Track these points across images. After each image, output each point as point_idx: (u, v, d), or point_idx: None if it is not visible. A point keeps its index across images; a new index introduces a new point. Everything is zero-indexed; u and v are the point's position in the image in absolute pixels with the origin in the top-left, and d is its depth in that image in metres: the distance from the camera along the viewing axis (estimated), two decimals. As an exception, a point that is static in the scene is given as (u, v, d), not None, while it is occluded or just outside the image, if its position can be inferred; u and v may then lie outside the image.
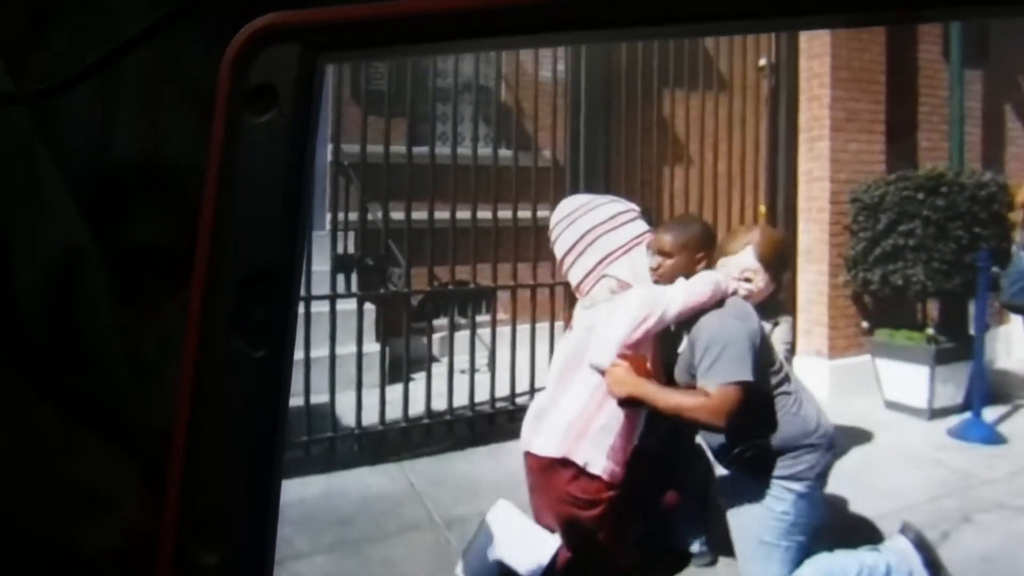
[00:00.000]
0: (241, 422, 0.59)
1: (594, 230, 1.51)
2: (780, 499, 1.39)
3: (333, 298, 2.02)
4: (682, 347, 1.48)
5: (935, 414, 1.96)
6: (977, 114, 2.22)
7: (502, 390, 2.06)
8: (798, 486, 1.39)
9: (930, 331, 2.02)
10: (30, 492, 0.82)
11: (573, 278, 1.54)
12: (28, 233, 0.86)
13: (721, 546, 1.50)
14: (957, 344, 1.98)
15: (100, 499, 0.84)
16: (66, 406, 0.85)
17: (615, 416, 1.44)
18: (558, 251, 1.55)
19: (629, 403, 1.44)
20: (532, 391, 2.04)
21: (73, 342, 0.85)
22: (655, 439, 1.49)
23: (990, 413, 1.92)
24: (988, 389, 1.92)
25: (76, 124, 0.95)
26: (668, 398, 1.42)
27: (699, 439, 1.49)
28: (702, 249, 1.51)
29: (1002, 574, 1.41)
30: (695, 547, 1.54)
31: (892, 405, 2.01)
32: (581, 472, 1.44)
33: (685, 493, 1.54)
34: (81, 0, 0.98)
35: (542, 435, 1.47)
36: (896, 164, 2.13)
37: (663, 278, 1.50)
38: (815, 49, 2.17)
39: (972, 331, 1.99)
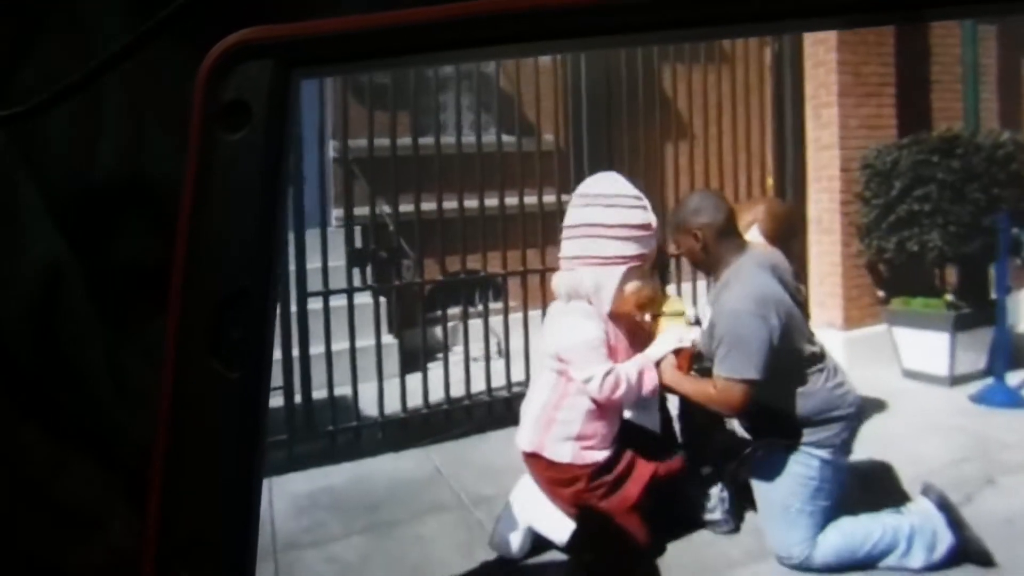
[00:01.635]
0: (219, 443, 0.60)
1: (588, 227, 1.52)
2: (806, 465, 1.44)
3: (351, 291, 2.07)
4: (707, 323, 1.53)
5: (956, 381, 1.96)
6: (992, 72, 2.17)
7: (517, 375, 2.09)
8: (824, 452, 1.43)
9: (949, 297, 2.01)
10: (15, 513, 0.85)
11: (561, 251, 1.56)
12: (8, 253, 0.89)
13: (743, 515, 1.56)
14: (977, 309, 1.97)
15: (86, 519, 0.86)
16: (51, 425, 0.87)
17: (576, 408, 1.48)
18: (566, 220, 1.57)
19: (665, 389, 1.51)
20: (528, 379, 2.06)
21: (56, 361, 0.88)
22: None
23: (1013, 378, 1.92)
24: (1010, 353, 1.91)
25: (58, 143, 0.97)
26: (685, 388, 1.50)
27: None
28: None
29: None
30: (716, 515, 1.57)
31: (911, 374, 2.01)
32: (551, 463, 1.50)
33: (693, 460, 1.58)
34: (61, 19, 1.01)
35: (520, 428, 1.53)
36: (908, 127, 2.10)
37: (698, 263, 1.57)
38: (819, 12, 2.13)
39: (993, 295, 1.98)
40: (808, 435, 1.44)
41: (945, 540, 1.40)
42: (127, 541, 0.85)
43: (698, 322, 1.55)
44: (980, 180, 1.94)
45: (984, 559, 1.38)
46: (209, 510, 0.59)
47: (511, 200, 2.15)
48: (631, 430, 1.54)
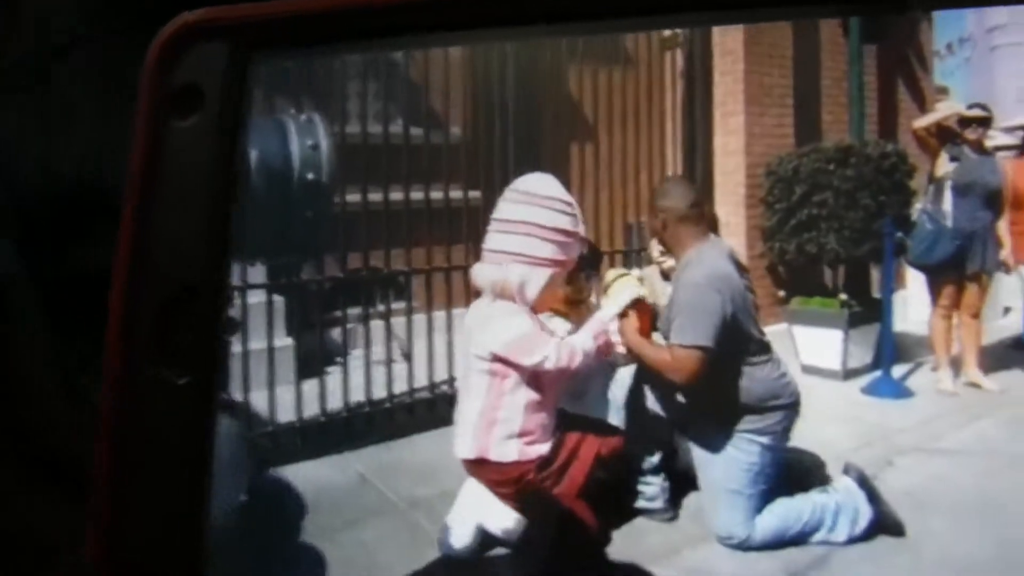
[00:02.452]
0: (166, 454, 0.55)
1: (527, 225, 1.51)
2: (747, 451, 1.53)
3: (244, 289, 1.93)
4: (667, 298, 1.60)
5: (848, 375, 2.17)
6: (874, 88, 2.41)
7: (421, 380, 2.06)
8: (764, 439, 1.53)
9: (843, 296, 2.20)
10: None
11: (486, 242, 1.56)
12: None
13: (681, 502, 1.66)
14: (864, 308, 2.20)
15: (48, 545, 0.81)
16: (9, 450, 0.82)
17: (515, 405, 1.50)
18: (497, 211, 1.56)
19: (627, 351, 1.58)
20: (452, 380, 2.06)
21: (10, 382, 0.83)
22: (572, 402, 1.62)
23: (897, 370, 2.16)
24: (894, 348, 2.14)
25: (9, 142, 0.90)
26: (645, 351, 1.56)
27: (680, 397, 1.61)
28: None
29: (923, 504, 1.62)
30: (658, 503, 1.64)
31: (809, 369, 2.21)
32: (498, 465, 1.50)
33: (637, 440, 1.64)
34: (10, 10, 0.92)
35: (458, 437, 1.52)
36: (803, 137, 2.29)
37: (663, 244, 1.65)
38: (726, 27, 2.27)
39: (877, 295, 2.21)
40: (751, 422, 1.53)
41: (865, 514, 1.54)
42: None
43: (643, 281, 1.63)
44: (870, 188, 2.15)
45: (897, 530, 1.53)
46: (158, 524, 0.55)
47: (416, 195, 2.11)
48: (571, 419, 1.57)
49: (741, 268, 1.57)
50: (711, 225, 1.71)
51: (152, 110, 0.55)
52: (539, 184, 1.55)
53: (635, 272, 1.66)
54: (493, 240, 1.53)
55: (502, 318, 1.49)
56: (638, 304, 1.56)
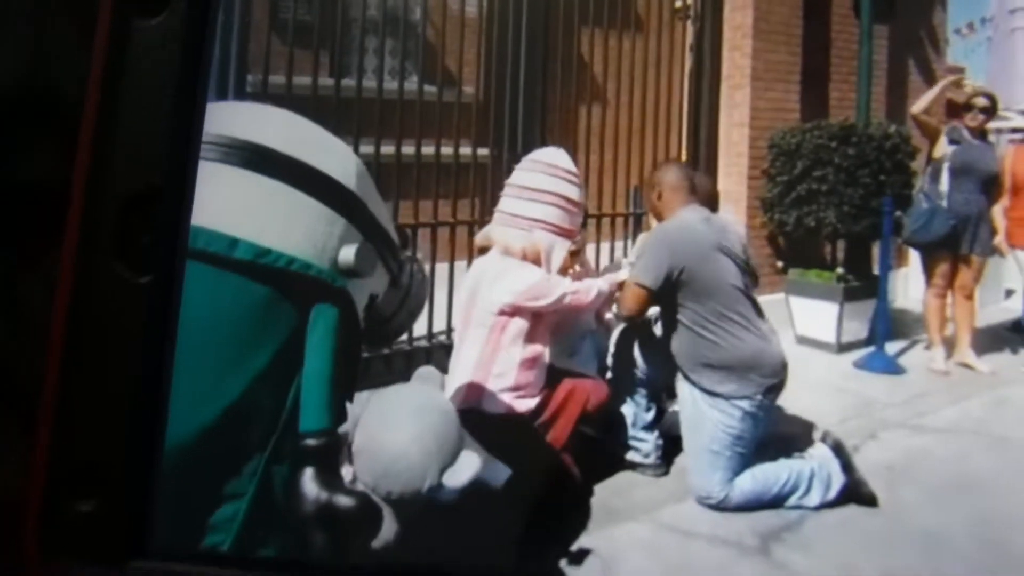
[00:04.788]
0: (123, 355, 0.57)
1: (557, 197, 1.68)
2: (729, 415, 1.64)
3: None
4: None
5: (842, 348, 2.26)
6: (883, 68, 2.49)
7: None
8: (745, 404, 1.65)
9: (840, 270, 2.29)
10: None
11: (505, 206, 1.71)
12: None
13: (673, 460, 1.78)
14: (863, 283, 2.28)
15: None
16: None
17: (510, 361, 1.64)
18: (519, 179, 1.72)
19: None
20: (449, 330, 2.14)
21: None
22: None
23: (891, 347, 2.24)
24: (889, 325, 2.22)
25: None
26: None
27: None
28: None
29: (902, 478, 1.72)
30: (651, 459, 1.77)
31: (803, 340, 2.30)
32: (489, 415, 1.63)
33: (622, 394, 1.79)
34: None
35: (452, 387, 1.64)
36: (810, 113, 2.38)
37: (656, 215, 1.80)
38: (737, 2, 2.38)
39: (876, 271, 2.29)
40: (733, 387, 1.64)
41: (839, 482, 1.64)
42: (10, 482, 0.77)
43: None
44: (870, 167, 2.23)
45: (869, 500, 1.63)
46: (109, 431, 0.56)
47: (427, 150, 2.22)
48: (563, 374, 1.70)
49: (719, 233, 1.70)
50: (710, 202, 1.84)
51: (115, 7, 0.57)
52: (560, 157, 1.74)
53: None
54: (518, 206, 1.70)
55: (515, 271, 1.65)
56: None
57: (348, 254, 1.06)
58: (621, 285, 1.73)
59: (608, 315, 1.81)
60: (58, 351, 0.56)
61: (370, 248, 1.09)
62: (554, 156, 1.73)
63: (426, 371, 1.42)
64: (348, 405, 1.14)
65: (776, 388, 1.68)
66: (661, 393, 1.79)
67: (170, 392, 0.58)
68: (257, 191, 1.03)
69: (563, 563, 1.45)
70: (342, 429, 1.11)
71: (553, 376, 1.69)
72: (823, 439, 1.72)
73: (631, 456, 1.77)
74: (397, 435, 1.25)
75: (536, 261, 1.66)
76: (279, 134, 1.07)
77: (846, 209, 2.23)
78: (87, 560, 0.55)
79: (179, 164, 0.57)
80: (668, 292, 1.65)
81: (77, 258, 0.56)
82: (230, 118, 1.08)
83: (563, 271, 1.70)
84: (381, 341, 1.29)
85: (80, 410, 0.56)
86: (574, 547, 1.50)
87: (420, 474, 1.24)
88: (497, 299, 1.63)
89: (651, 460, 1.76)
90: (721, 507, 1.63)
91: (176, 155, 0.57)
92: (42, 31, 0.88)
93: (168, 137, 0.57)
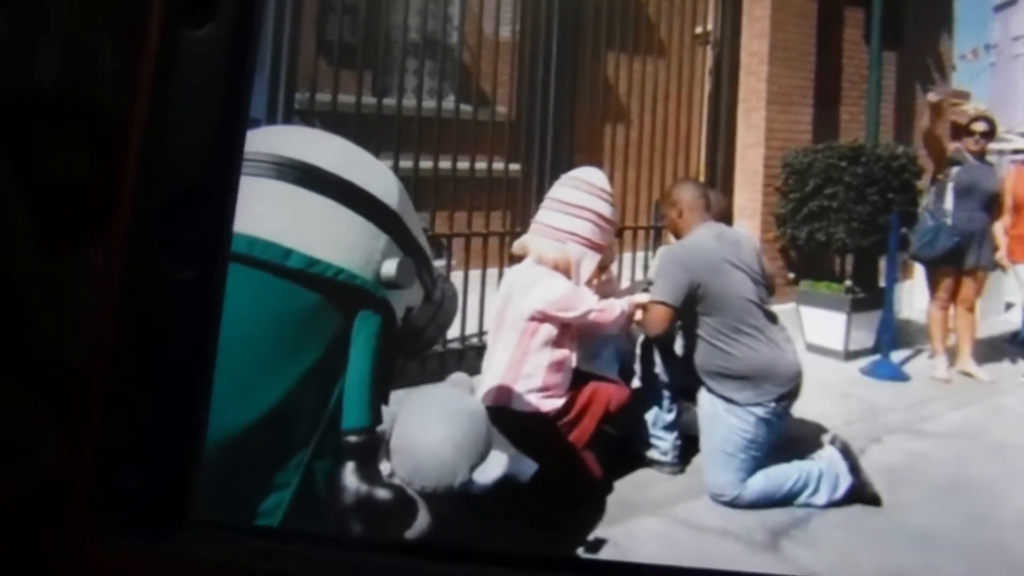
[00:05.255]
0: (168, 342, 0.60)
1: (592, 213, 1.79)
2: (743, 420, 1.75)
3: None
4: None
5: (850, 356, 2.38)
6: (891, 91, 2.61)
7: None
8: (759, 411, 1.75)
9: (848, 283, 2.43)
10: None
11: (543, 217, 1.82)
12: None
13: (690, 459, 1.87)
14: (870, 295, 2.40)
15: (14, 447, 0.82)
16: None
17: (538, 363, 1.74)
18: (557, 193, 1.84)
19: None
20: (481, 333, 2.29)
21: None
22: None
23: (896, 355, 2.36)
24: (894, 334, 2.35)
25: None
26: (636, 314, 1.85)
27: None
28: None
29: (904, 479, 1.81)
30: (668, 458, 1.88)
31: (812, 347, 2.42)
32: (517, 414, 1.73)
33: (647, 397, 1.90)
34: None
35: (484, 387, 1.75)
36: (821, 134, 2.51)
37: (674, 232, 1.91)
38: (755, 30, 2.54)
39: (882, 284, 2.42)
40: (749, 393, 1.75)
41: (845, 482, 1.74)
42: (59, 466, 0.80)
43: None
44: (878, 185, 2.37)
45: (873, 500, 1.72)
46: (154, 411, 0.59)
47: (463, 165, 2.36)
48: (588, 376, 1.81)
49: (732, 248, 1.80)
50: (724, 218, 1.96)
51: (164, 19, 0.60)
52: (597, 177, 1.85)
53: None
54: (554, 218, 1.81)
55: (546, 280, 1.76)
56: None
57: (390, 267, 1.12)
58: (643, 307, 1.82)
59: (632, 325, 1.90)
60: (107, 338, 0.59)
61: (410, 263, 1.16)
62: (592, 175, 1.84)
63: (458, 377, 1.50)
64: (384, 406, 1.20)
65: (790, 395, 1.78)
66: (681, 396, 1.89)
67: (212, 378, 0.60)
68: (310, 207, 1.10)
69: (582, 551, 1.56)
70: (380, 428, 1.16)
71: (578, 378, 1.79)
72: (831, 441, 1.81)
73: (650, 454, 1.88)
74: (431, 435, 1.30)
75: (567, 271, 1.76)
76: (330, 156, 1.14)
77: (855, 225, 2.36)
78: (134, 532, 0.59)
79: (223, 165, 0.60)
80: (687, 306, 1.75)
81: (125, 253, 0.59)
82: (285, 140, 1.17)
83: (589, 281, 1.80)
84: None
85: (127, 394, 0.59)
86: (592, 537, 1.60)
87: (451, 471, 1.29)
88: (528, 306, 1.73)
89: (669, 458, 1.87)
90: (734, 504, 1.72)
91: (220, 157, 0.60)
92: (81, 36, 0.89)
93: (213, 140, 0.60)
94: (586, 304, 1.75)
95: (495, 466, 1.37)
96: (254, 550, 0.63)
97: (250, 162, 1.08)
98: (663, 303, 1.76)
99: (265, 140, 1.15)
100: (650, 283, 1.89)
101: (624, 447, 1.89)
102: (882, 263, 2.40)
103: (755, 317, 1.78)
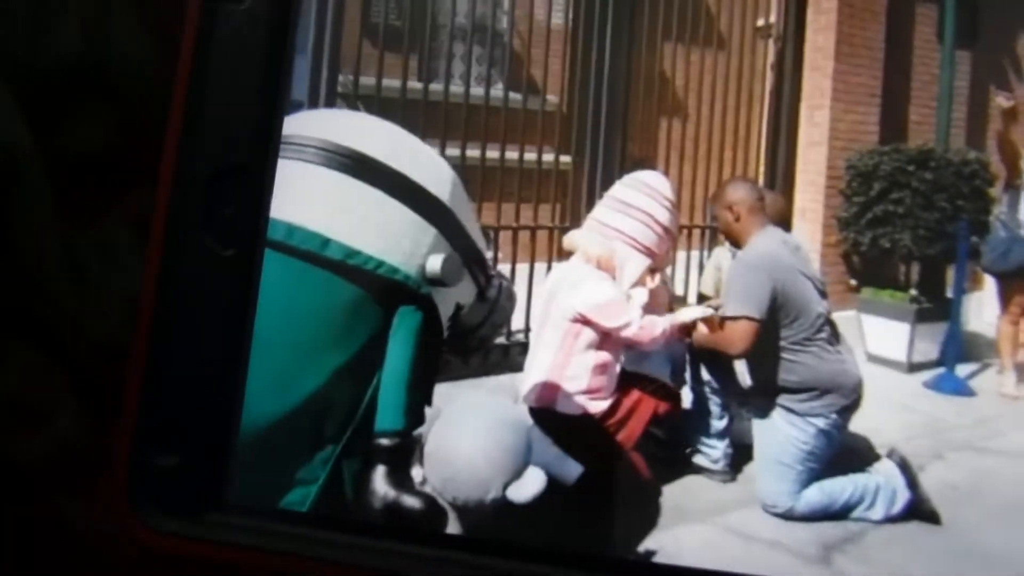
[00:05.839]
0: (207, 321, 0.60)
1: (645, 215, 1.74)
2: (802, 430, 1.70)
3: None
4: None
5: (913, 368, 2.28)
6: (964, 93, 2.53)
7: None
8: (820, 422, 1.70)
9: (913, 292, 2.33)
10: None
11: (596, 213, 1.78)
12: None
13: (741, 467, 1.83)
14: (936, 305, 2.30)
15: (30, 411, 0.83)
16: None
17: (583, 365, 1.69)
18: (615, 191, 1.79)
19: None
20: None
21: (8, 248, 0.84)
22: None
23: (962, 369, 2.26)
24: (961, 347, 2.25)
25: (14, 22, 0.89)
26: (706, 339, 1.79)
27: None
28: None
29: (966, 498, 1.75)
30: (719, 466, 1.82)
31: (873, 358, 2.33)
32: (562, 416, 1.69)
33: (697, 403, 1.86)
34: None
35: (527, 387, 1.71)
36: (888, 136, 2.43)
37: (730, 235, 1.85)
38: (820, 23, 2.45)
39: (949, 294, 2.33)
40: (808, 404, 1.69)
41: (903, 497, 1.67)
42: (75, 434, 0.82)
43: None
44: (947, 191, 2.27)
45: (932, 517, 1.66)
46: (193, 391, 0.59)
47: (511, 155, 2.31)
48: (636, 378, 1.76)
49: (796, 254, 1.75)
50: (780, 220, 1.89)
51: None
52: (660, 181, 1.79)
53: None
54: (606, 215, 1.76)
55: (593, 282, 1.70)
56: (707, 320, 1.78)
57: (435, 263, 1.09)
58: (690, 325, 1.78)
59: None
60: (148, 315, 0.59)
61: (457, 259, 1.12)
62: (654, 179, 1.79)
63: (501, 382, 1.48)
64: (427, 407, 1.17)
65: (851, 407, 1.72)
66: (733, 403, 1.84)
67: (248, 360, 0.60)
68: (354, 195, 1.08)
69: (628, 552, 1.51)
70: (417, 432, 1.14)
71: (627, 379, 1.74)
72: (889, 455, 1.75)
73: (700, 460, 1.82)
74: (466, 445, 1.29)
75: (610, 270, 1.71)
76: (379, 143, 1.12)
77: (921, 232, 2.26)
78: (168, 511, 0.58)
79: (262, 143, 0.60)
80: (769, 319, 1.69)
81: (167, 229, 0.59)
82: (331, 125, 1.14)
83: (639, 283, 1.74)
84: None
85: (165, 372, 0.59)
86: (638, 540, 1.56)
87: (485, 485, 1.29)
88: (571, 307, 1.69)
89: (720, 466, 1.81)
90: (786, 516, 1.67)
91: (259, 134, 0.60)
92: (109, 9, 0.90)
93: (252, 117, 0.60)
94: (627, 316, 1.69)
95: (531, 483, 1.36)
96: (290, 535, 0.61)
97: (293, 145, 1.07)
98: (749, 317, 1.68)
99: (310, 123, 1.13)
100: (705, 298, 1.83)
101: (673, 452, 1.83)
102: (949, 272, 2.31)
103: (823, 330, 1.72)
